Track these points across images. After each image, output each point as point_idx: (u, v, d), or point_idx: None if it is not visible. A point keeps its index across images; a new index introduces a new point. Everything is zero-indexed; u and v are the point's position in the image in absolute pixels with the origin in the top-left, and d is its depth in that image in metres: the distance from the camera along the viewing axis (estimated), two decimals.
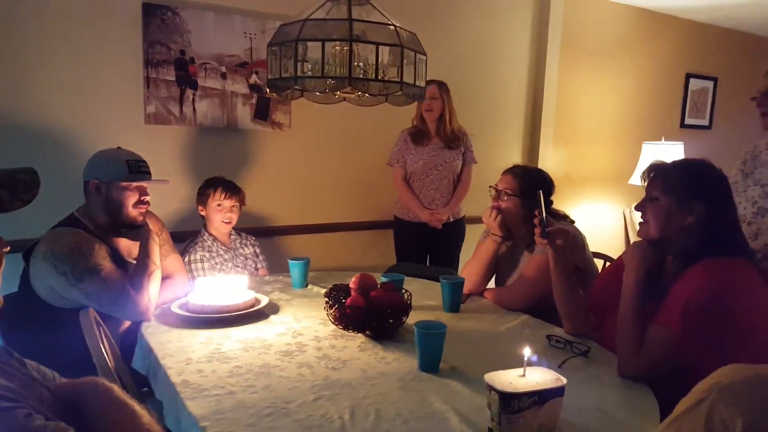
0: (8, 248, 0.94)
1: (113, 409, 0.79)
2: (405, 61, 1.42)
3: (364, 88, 1.49)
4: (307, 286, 2.13)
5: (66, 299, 1.71)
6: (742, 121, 4.93)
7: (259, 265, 2.51)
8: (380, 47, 1.40)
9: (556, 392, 1.10)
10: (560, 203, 2.06)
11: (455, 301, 1.85)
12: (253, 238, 2.54)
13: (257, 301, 1.84)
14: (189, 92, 2.70)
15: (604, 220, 4.26)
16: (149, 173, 1.91)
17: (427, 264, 3.03)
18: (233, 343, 1.56)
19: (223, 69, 2.77)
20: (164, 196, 2.39)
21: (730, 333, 1.28)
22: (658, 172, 1.44)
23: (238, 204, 2.39)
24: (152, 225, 1.93)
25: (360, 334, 1.63)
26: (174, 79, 2.66)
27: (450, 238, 3.03)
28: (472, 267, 2.04)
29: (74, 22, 2.44)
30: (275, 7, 2.81)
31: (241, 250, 2.45)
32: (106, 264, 1.73)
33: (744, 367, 0.75)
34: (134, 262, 1.88)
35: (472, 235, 3.08)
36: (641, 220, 1.48)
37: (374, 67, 1.40)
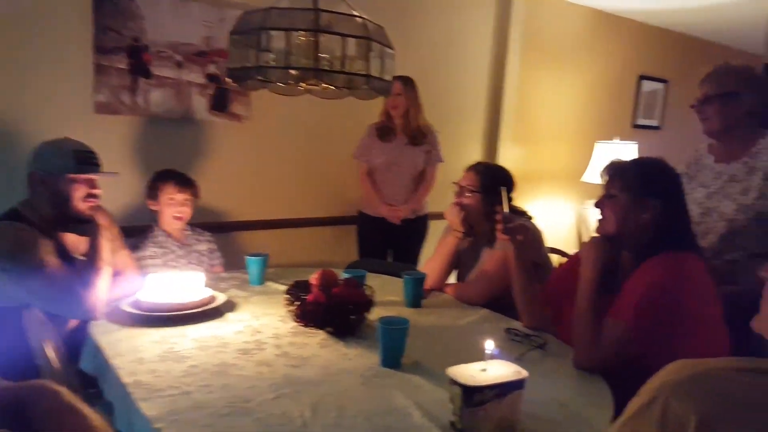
0: None
1: (62, 414, 0.74)
2: (372, 54, 1.40)
3: (329, 80, 1.46)
4: (264, 283, 2.08)
5: (8, 297, 1.61)
6: (691, 122, 5.14)
7: (214, 262, 2.44)
8: (347, 39, 1.38)
9: (516, 385, 1.11)
10: (517, 200, 2.09)
11: (417, 296, 1.85)
12: (209, 233, 2.47)
13: (213, 299, 1.79)
14: (142, 81, 2.60)
15: (558, 217, 4.36)
16: (99, 165, 1.82)
17: (390, 260, 3.03)
18: (188, 341, 1.51)
19: (179, 58, 2.68)
20: (114, 189, 2.29)
21: (681, 325, 1.32)
22: (616, 171, 1.47)
23: (191, 198, 2.32)
24: (101, 220, 1.84)
25: (321, 331, 1.60)
26: (126, 67, 2.55)
27: (412, 235, 3.04)
28: (433, 263, 2.05)
29: (16, 3, 2.31)
30: None
31: (195, 247, 2.38)
32: (52, 260, 1.64)
33: (691, 363, 0.76)
34: (82, 258, 1.79)
35: (436, 231, 3.10)
36: (599, 216, 1.51)
37: (340, 59, 1.37)
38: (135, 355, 1.40)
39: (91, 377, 1.51)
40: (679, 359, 1.33)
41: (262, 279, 2.09)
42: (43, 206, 1.75)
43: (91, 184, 1.79)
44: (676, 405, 0.71)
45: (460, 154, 3.68)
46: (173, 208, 2.27)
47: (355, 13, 1.47)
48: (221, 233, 2.75)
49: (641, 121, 4.78)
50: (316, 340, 1.55)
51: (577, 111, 4.33)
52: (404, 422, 1.13)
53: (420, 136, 2.93)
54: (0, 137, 2.33)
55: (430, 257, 2.12)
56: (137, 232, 2.33)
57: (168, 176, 2.30)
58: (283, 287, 1.98)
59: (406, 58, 3.10)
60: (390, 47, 1.52)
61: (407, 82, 2.86)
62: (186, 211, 2.30)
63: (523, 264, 1.63)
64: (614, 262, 1.51)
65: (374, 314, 1.63)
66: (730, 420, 0.68)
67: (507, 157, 3.77)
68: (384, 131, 2.95)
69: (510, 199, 1.75)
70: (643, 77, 4.71)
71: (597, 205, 1.52)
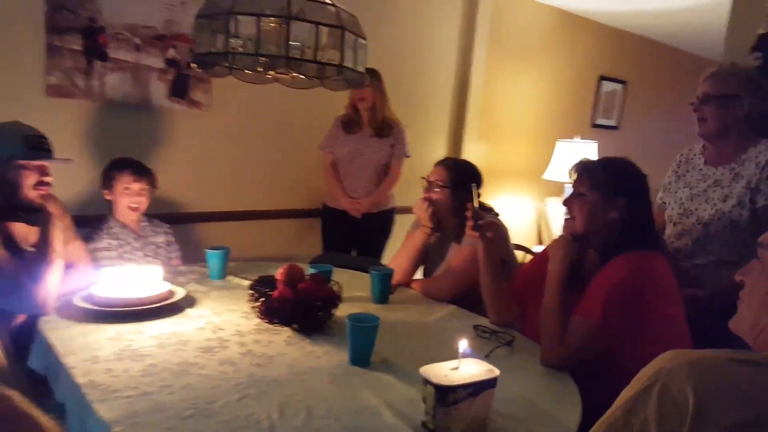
0: None
1: (13, 421, 0.68)
2: (346, 44, 1.36)
3: (300, 69, 1.41)
4: (225, 278, 2.02)
5: None
6: (647, 123, 5.31)
7: (171, 255, 2.35)
8: (320, 28, 1.33)
9: (489, 384, 1.11)
10: (481, 196, 2.09)
11: (384, 292, 1.82)
12: (166, 225, 2.38)
13: (172, 293, 1.71)
14: (97, 64, 2.47)
15: (519, 213, 4.43)
16: (50, 151, 1.72)
17: (354, 254, 3.00)
18: (146, 339, 1.44)
19: (137, 41, 2.56)
20: (67, 176, 2.17)
21: (646, 322, 1.35)
22: (585, 170, 1.49)
23: (148, 187, 2.23)
24: (53, 209, 1.74)
25: (286, 328, 1.56)
26: (81, 48, 2.42)
27: (377, 229, 3.01)
28: (400, 258, 2.03)
29: None
30: None
31: (152, 238, 2.29)
32: None
33: (687, 352, 0.79)
34: (32, 249, 1.69)
35: (402, 226, 3.09)
36: (568, 215, 1.52)
37: (312, 48, 1.33)
38: (89, 353, 1.32)
39: (40, 376, 1.42)
40: (643, 354, 1.36)
41: (223, 273, 2.02)
42: None
43: (42, 171, 1.70)
44: (674, 389, 0.74)
45: (426, 149, 3.68)
46: (129, 198, 2.18)
47: (328, 1, 1.42)
48: (179, 225, 2.66)
49: (600, 121, 4.89)
50: (281, 337, 1.51)
51: (540, 109, 4.40)
52: (375, 422, 1.11)
53: (385, 129, 2.90)
54: None
55: (397, 252, 2.10)
56: (91, 222, 2.22)
57: (124, 164, 2.20)
58: (246, 282, 1.93)
59: (372, 50, 3.05)
60: (363, 38, 1.48)
61: (374, 74, 2.82)
62: (142, 201, 2.21)
63: (492, 261, 1.63)
64: (580, 259, 1.53)
65: (341, 310, 1.60)
66: (725, 405, 0.71)
67: (471, 154, 3.79)
68: (349, 123, 2.91)
69: (479, 196, 1.75)
70: (603, 78, 4.81)
71: (565, 203, 1.53)
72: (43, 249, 1.64)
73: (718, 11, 3.39)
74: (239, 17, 1.33)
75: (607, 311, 1.34)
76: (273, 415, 1.11)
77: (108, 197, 2.20)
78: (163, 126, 2.74)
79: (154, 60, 2.62)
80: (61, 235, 1.71)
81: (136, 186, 2.18)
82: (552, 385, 1.34)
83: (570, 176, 1.53)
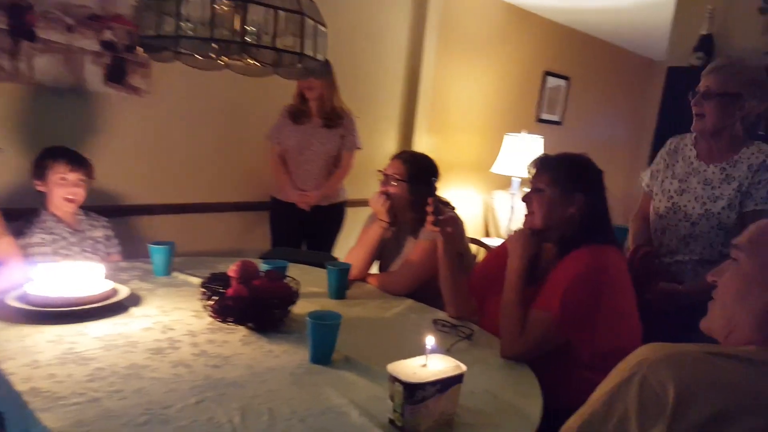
0: None
1: None
2: (305, 30, 1.30)
3: (256, 55, 1.35)
4: (171, 275, 1.93)
5: None
6: (589, 119, 5.50)
7: (111, 250, 2.22)
8: (278, 13, 1.27)
9: (456, 379, 1.11)
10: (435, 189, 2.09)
11: (341, 287, 1.79)
12: (105, 218, 2.25)
13: (115, 292, 1.61)
14: (25, 45, 2.28)
15: (467, 206, 4.48)
16: None
17: (304, 248, 2.95)
18: (90, 340, 1.34)
19: (70, 21, 2.38)
20: None
21: (602, 314, 1.39)
22: (544, 165, 1.51)
23: (85, 178, 2.09)
24: None
25: (241, 327, 1.50)
26: (6, 27, 2.22)
27: (328, 223, 2.97)
28: (357, 252, 2.00)
29: None
30: None
31: (89, 233, 2.15)
32: None
33: (664, 345, 0.82)
34: None
35: (353, 219, 3.05)
36: (527, 210, 1.54)
37: (270, 33, 1.27)
38: (28, 357, 1.22)
39: None
40: (598, 345, 1.40)
41: (168, 269, 1.93)
42: None
43: None
44: (654, 381, 0.76)
45: (376, 141, 3.66)
46: (64, 189, 2.04)
47: None
48: (118, 218, 2.52)
49: (545, 116, 5.00)
50: (236, 336, 1.45)
51: (488, 103, 4.45)
52: (341, 422, 1.08)
53: (335, 119, 2.84)
54: None
55: (353, 247, 2.07)
56: (22, 216, 2.06)
57: (58, 154, 2.06)
58: (193, 279, 1.85)
59: None
60: (323, 24, 1.43)
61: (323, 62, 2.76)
62: (79, 193, 2.07)
63: (451, 255, 1.64)
64: (537, 254, 1.55)
65: (298, 307, 1.56)
66: (702, 396, 0.74)
67: (422, 146, 3.80)
68: (297, 113, 2.84)
69: (435, 189, 1.74)
70: (548, 73, 4.91)
71: (524, 199, 1.55)
72: None
73: (662, 11, 3.54)
74: None
75: (565, 305, 1.37)
76: (234, 419, 1.06)
77: (40, 188, 2.05)
78: (99, 113, 2.57)
79: (88, 42, 2.46)
80: None
81: (73, 176, 2.04)
82: (513, 377, 1.36)
83: (529, 172, 1.55)
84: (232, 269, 1.58)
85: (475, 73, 4.27)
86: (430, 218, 1.56)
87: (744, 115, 1.69)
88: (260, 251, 2.54)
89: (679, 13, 2.97)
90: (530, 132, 4.15)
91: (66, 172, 2.03)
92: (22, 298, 1.49)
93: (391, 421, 1.08)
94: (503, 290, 1.51)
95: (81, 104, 2.51)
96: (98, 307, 1.51)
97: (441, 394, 1.08)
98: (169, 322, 1.51)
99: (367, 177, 3.31)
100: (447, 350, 1.43)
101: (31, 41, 2.30)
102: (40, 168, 2.04)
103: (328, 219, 2.98)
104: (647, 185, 1.98)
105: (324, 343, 1.32)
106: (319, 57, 1.42)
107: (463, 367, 1.12)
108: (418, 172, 1.92)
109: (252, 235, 3.17)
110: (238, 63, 1.56)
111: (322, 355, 1.33)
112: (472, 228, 4.42)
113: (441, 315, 1.70)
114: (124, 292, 1.63)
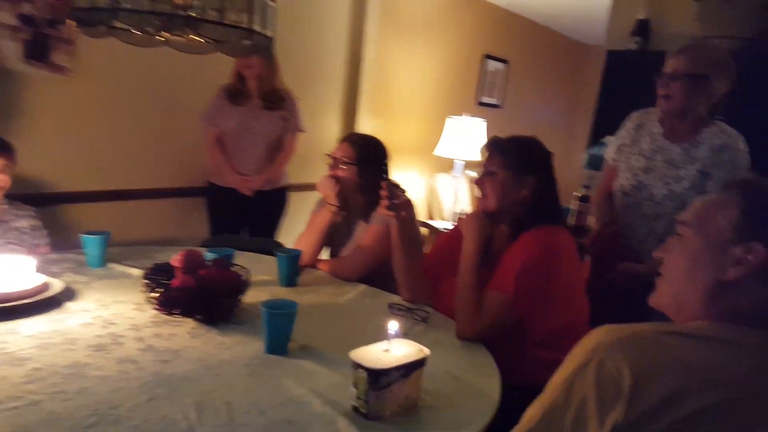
0: None
1: None
2: (254, 5, 1.24)
3: (201, 31, 1.27)
4: (106, 266, 1.81)
5: None
6: (527, 103, 5.62)
7: (38, 241, 2.07)
8: None
9: (420, 363, 1.10)
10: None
11: (292, 275, 1.75)
12: (30, 207, 2.08)
13: (47, 286, 1.50)
14: None
15: (412, 190, 4.49)
16: None
17: (245, 235, 2.85)
18: (23, 339, 1.24)
19: None
20: None
21: (554, 293, 1.43)
22: (496, 148, 1.52)
23: (7, 164, 1.93)
24: None
25: (188, 319, 1.43)
26: None
27: (270, 209, 2.88)
28: (306, 238, 1.95)
29: None
30: None
31: (14, 223, 2.00)
32: None
33: (618, 327, 0.82)
34: None
35: (296, 204, 2.98)
36: (480, 193, 1.55)
37: (217, 7, 1.19)
38: None
39: None
40: (549, 323, 1.43)
41: (104, 260, 1.82)
42: None
43: None
44: (610, 364, 0.76)
45: (318, 124, 3.59)
46: None
47: None
48: (45, 207, 2.34)
49: (485, 99, 5.05)
50: (184, 329, 1.38)
51: (430, 86, 4.45)
52: (304, 412, 1.06)
53: (277, 101, 2.74)
54: None
55: (302, 233, 2.01)
56: None
57: None
58: (132, 269, 1.76)
59: None
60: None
61: None
62: (4, 179, 1.91)
63: (406, 240, 1.62)
64: (491, 236, 1.57)
65: (247, 297, 1.51)
66: (658, 376, 0.74)
67: (365, 129, 3.75)
68: (235, 94, 2.71)
69: (387, 172, 1.72)
70: (487, 56, 4.95)
71: (477, 182, 1.56)
72: None
73: None
74: None
75: (519, 285, 1.39)
76: (190, 415, 1.01)
77: None
78: (20, 93, 2.37)
79: (4, 15, 2.25)
80: None
81: None
82: (470, 358, 1.37)
83: (481, 155, 1.55)
84: (176, 259, 1.51)
85: (417, 55, 4.26)
86: (384, 202, 1.54)
87: (709, 96, 1.72)
88: (198, 239, 2.44)
89: None
90: (472, 115, 4.19)
91: None
92: None
93: (355, 409, 1.06)
94: (459, 272, 1.51)
95: None
96: (30, 302, 1.40)
97: (405, 379, 1.07)
98: (109, 316, 1.42)
99: (310, 161, 3.25)
100: (405, 334, 1.42)
101: None
102: None
103: (271, 204, 2.89)
104: (613, 159, 2.00)
105: (280, 332, 1.28)
106: (268, 33, 1.36)
107: (427, 351, 1.11)
108: (368, 155, 1.90)
109: (188, 223, 3.04)
110: (180, 39, 1.47)
111: (278, 345, 1.29)
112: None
113: (395, 299, 1.70)
114: (57, 285, 1.52)
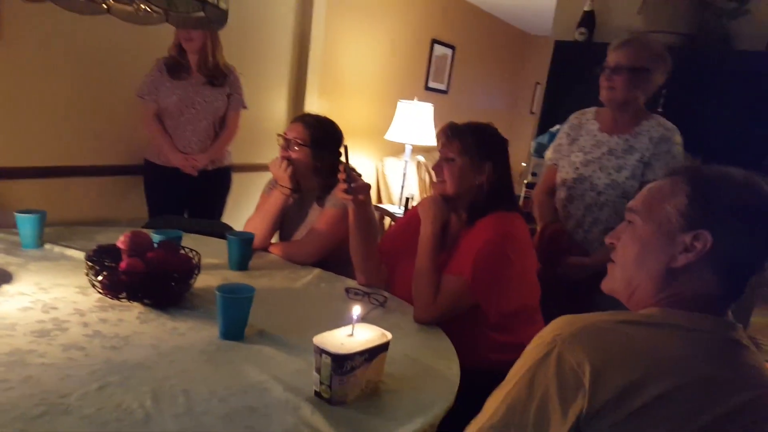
0: None
1: None
2: None
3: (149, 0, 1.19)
4: (42, 247, 1.71)
5: None
6: (472, 89, 5.69)
7: None
8: None
9: (383, 348, 1.10)
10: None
11: (244, 258, 1.70)
12: None
13: None
14: None
15: (360, 172, 4.46)
16: None
17: (186, 216, 2.75)
18: None
19: None
20: None
21: (509, 277, 1.46)
22: (454, 134, 1.53)
23: None
24: None
25: (136, 304, 1.37)
26: None
27: (213, 189, 2.78)
28: (257, 221, 1.90)
29: None
30: None
31: None
32: None
33: (577, 318, 0.83)
34: None
35: (240, 185, 2.90)
36: (437, 178, 1.56)
37: None
38: None
39: None
40: (503, 307, 1.47)
41: (40, 241, 1.71)
42: None
43: None
44: (569, 357, 0.77)
45: (264, 102, 3.49)
46: None
47: None
48: None
49: (432, 84, 5.07)
50: (133, 314, 1.32)
51: (380, 69, 4.42)
52: (266, 399, 1.03)
53: (220, 76, 2.64)
54: None
55: (252, 215, 1.96)
56: None
57: None
58: (71, 251, 1.67)
59: None
60: None
61: None
62: None
63: (363, 224, 1.61)
64: (448, 221, 1.59)
65: (198, 281, 1.46)
66: (617, 366, 0.76)
67: (314, 109, 3.69)
68: (175, 67, 2.59)
69: (342, 155, 1.70)
70: (435, 41, 4.95)
71: (435, 168, 1.57)
72: None
73: None
74: None
75: (476, 269, 1.42)
76: (146, 403, 0.97)
77: None
78: None
79: None
80: None
81: None
82: (428, 341, 1.39)
83: (437, 140, 1.56)
84: (121, 241, 1.44)
85: (366, 36, 4.21)
86: (341, 186, 1.52)
87: (649, 88, 1.80)
88: (136, 219, 2.33)
89: None
90: (420, 100, 4.20)
91: None
92: None
93: (318, 394, 1.05)
94: (417, 256, 1.52)
95: None
96: None
97: (368, 364, 1.07)
98: (50, 300, 1.34)
99: (255, 140, 3.17)
100: (362, 318, 1.42)
101: None
102: None
103: (214, 185, 2.79)
104: (550, 159, 2.07)
105: (237, 318, 1.25)
106: (222, 6, 1.29)
107: (389, 335, 1.12)
108: (323, 138, 1.86)
109: (126, 202, 2.90)
110: (125, 8, 1.38)
111: (235, 330, 1.25)
112: None
113: (351, 283, 1.69)
114: None
